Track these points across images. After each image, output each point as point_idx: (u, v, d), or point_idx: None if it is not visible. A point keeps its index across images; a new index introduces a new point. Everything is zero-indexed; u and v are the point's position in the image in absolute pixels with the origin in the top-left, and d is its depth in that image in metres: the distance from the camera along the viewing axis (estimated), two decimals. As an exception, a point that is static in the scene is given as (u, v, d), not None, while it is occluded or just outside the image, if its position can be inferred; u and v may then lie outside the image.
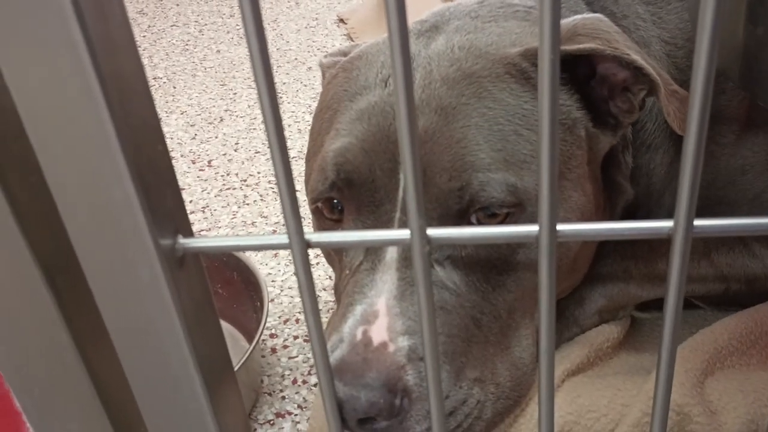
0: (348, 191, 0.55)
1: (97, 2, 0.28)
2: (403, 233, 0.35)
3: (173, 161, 1.25)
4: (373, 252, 0.53)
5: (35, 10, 0.27)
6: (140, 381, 0.40)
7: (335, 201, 0.57)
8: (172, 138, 1.34)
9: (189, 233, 0.38)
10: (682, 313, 0.72)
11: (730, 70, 0.54)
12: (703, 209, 0.70)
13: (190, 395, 0.40)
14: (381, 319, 0.50)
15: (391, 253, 0.52)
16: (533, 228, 0.34)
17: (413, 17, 0.67)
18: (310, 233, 0.35)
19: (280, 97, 1.47)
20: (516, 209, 0.52)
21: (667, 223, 0.33)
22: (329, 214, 0.57)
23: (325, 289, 0.89)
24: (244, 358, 0.67)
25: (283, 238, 0.35)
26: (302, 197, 1.07)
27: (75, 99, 0.29)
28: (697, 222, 0.33)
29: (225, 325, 0.83)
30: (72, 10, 0.27)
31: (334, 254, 0.59)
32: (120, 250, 0.35)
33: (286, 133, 1.31)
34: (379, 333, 0.49)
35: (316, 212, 0.59)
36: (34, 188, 0.34)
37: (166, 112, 1.45)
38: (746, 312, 0.62)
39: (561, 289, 0.61)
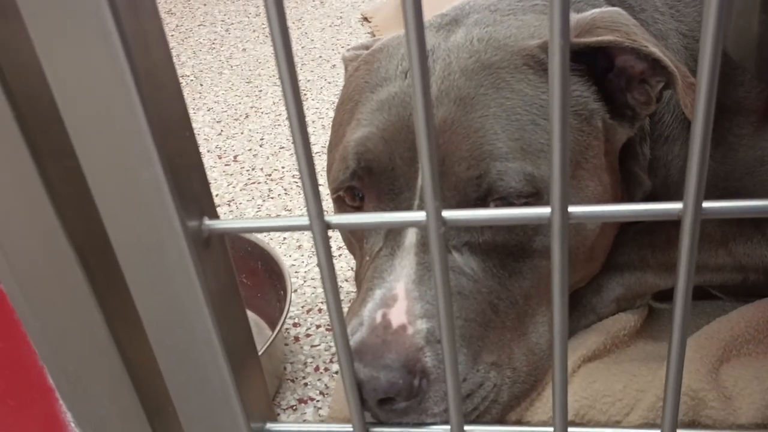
0: (368, 179, 0.56)
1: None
2: (419, 215, 0.36)
3: (200, 156, 1.27)
4: (392, 238, 0.55)
5: (74, 6, 0.29)
6: (168, 359, 0.42)
7: (356, 190, 0.58)
8: (198, 134, 1.37)
9: (214, 215, 0.40)
10: (701, 303, 0.73)
11: (747, 61, 0.55)
12: (722, 198, 0.70)
13: (216, 374, 0.42)
14: (400, 302, 0.51)
15: (410, 239, 0.54)
16: (546, 210, 0.35)
17: (432, 11, 0.68)
18: (330, 215, 0.37)
19: (305, 94, 1.49)
20: (533, 198, 0.53)
21: (677, 205, 0.34)
22: (351, 202, 0.59)
23: (347, 280, 0.91)
24: (267, 344, 0.68)
25: (304, 220, 0.36)
26: (324, 191, 1.08)
27: (109, 88, 0.31)
28: (707, 204, 0.34)
29: (249, 314, 0.84)
30: (107, 6, 0.28)
31: (355, 242, 0.61)
32: (149, 230, 0.36)
33: (310, 129, 1.33)
34: (398, 316, 0.50)
35: (337, 201, 0.61)
36: (69, 172, 0.36)
37: (193, 109, 1.47)
38: (764, 301, 0.63)
39: (579, 277, 0.61)
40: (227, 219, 0.38)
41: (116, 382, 0.43)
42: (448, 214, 0.36)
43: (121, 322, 0.41)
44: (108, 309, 0.40)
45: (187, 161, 0.38)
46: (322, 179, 1.14)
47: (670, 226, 0.68)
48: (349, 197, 0.59)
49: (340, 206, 0.61)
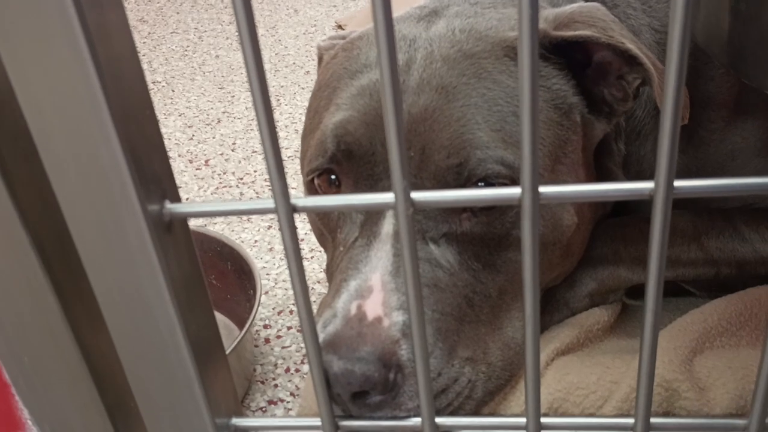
0: (347, 164, 0.55)
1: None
2: (388, 196, 0.35)
3: (171, 161, 1.26)
4: (368, 228, 0.53)
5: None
6: (129, 351, 0.40)
7: (332, 176, 0.56)
8: (169, 139, 1.35)
9: (176, 199, 0.38)
10: (674, 299, 0.73)
11: (718, 51, 0.55)
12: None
13: (179, 366, 0.40)
14: (375, 294, 0.50)
15: (387, 229, 0.52)
16: (516, 190, 0.34)
17: (406, 5, 0.68)
18: (297, 197, 0.36)
19: (278, 100, 1.48)
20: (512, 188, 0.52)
21: (648, 184, 0.33)
22: (326, 189, 0.57)
23: (319, 282, 0.89)
24: (236, 343, 0.67)
25: (269, 203, 0.35)
26: (293, 183, 1.07)
27: (63, 58, 0.30)
28: (678, 183, 0.33)
29: (219, 316, 0.83)
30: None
31: (328, 233, 0.59)
32: (108, 213, 0.35)
33: (283, 134, 1.32)
34: (373, 308, 0.49)
35: (311, 189, 0.59)
36: (24, 154, 0.34)
37: (164, 114, 1.46)
38: (736, 294, 0.63)
39: (555, 275, 0.61)
40: (190, 202, 0.37)
41: (75, 375, 0.42)
42: (417, 195, 0.35)
43: (81, 312, 0.40)
44: (66, 298, 0.39)
45: (148, 140, 0.36)
46: (294, 182, 1.13)
47: (642, 221, 0.68)
48: (325, 184, 0.57)
49: (313, 194, 0.59)
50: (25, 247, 0.37)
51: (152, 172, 0.36)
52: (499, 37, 0.57)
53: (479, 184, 0.52)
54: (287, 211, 0.35)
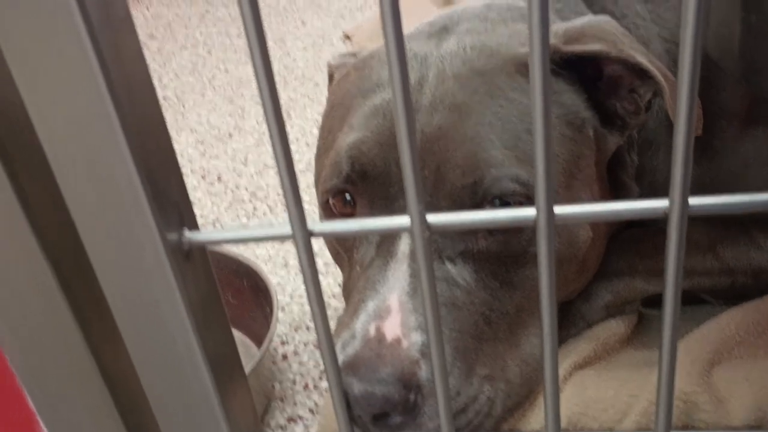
0: (362, 184, 0.55)
1: (100, -5, 0.29)
2: (404, 219, 0.35)
3: (184, 177, 1.27)
4: (385, 248, 0.53)
5: (43, 3, 0.28)
6: (150, 377, 0.40)
7: (347, 197, 0.57)
8: (182, 155, 1.36)
9: (195, 226, 0.39)
10: (690, 309, 0.72)
11: (729, 63, 0.55)
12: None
13: (200, 390, 0.41)
14: (394, 314, 0.50)
15: (403, 249, 0.53)
16: (531, 210, 0.34)
17: (412, 24, 0.68)
18: (313, 223, 0.36)
19: (288, 113, 1.48)
20: (527, 206, 0.52)
21: (663, 202, 0.34)
22: (341, 209, 0.57)
23: (334, 296, 0.90)
24: (254, 363, 0.67)
25: (286, 228, 0.36)
26: (308, 207, 1.08)
27: (78, 85, 0.30)
28: (692, 200, 0.33)
29: (236, 334, 0.84)
30: (77, 6, 0.28)
31: (344, 252, 0.59)
32: (127, 243, 0.35)
33: (294, 147, 1.33)
34: (392, 329, 0.49)
35: (326, 210, 0.59)
36: (43, 181, 0.34)
37: (176, 130, 1.47)
38: (753, 303, 0.62)
39: (571, 290, 0.61)
40: (208, 230, 0.38)
41: (98, 402, 0.42)
42: (432, 218, 0.36)
43: (103, 341, 0.40)
44: (88, 327, 0.39)
45: (165, 169, 0.36)
46: (307, 196, 1.14)
47: (656, 234, 0.67)
48: (340, 204, 0.57)
49: (329, 215, 0.59)
50: (39, 260, 0.37)
51: (170, 198, 0.36)
52: (511, 53, 0.57)
53: (495, 201, 0.52)
54: (304, 236, 0.36)
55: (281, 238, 0.37)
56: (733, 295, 0.67)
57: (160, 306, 0.37)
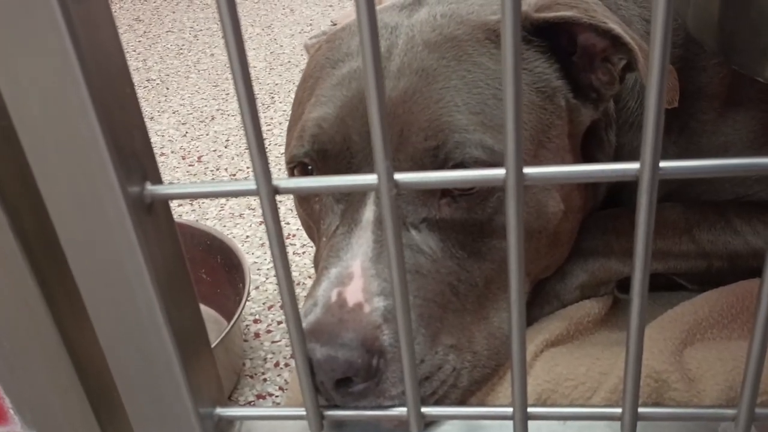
0: (322, 162, 0.56)
1: None
2: (371, 177, 0.34)
3: (163, 157, 1.25)
4: (349, 216, 0.53)
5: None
6: (109, 336, 0.39)
7: (309, 168, 0.57)
8: (163, 135, 1.34)
9: (158, 180, 0.38)
10: (666, 294, 0.71)
11: (709, 39, 0.54)
12: (686, 186, 0.70)
13: (161, 353, 0.40)
14: (356, 280, 0.49)
15: (367, 216, 0.52)
16: (500, 171, 0.33)
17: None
18: (279, 179, 0.35)
19: (273, 97, 1.47)
20: None
21: (634, 165, 0.33)
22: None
23: (310, 277, 0.89)
24: (223, 335, 0.66)
25: (251, 184, 0.35)
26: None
27: (40, 35, 0.29)
28: (663, 163, 0.33)
29: (209, 311, 0.83)
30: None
31: (313, 224, 0.59)
32: (87, 194, 0.34)
33: (277, 131, 1.31)
34: (354, 294, 0.49)
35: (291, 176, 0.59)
36: (4, 133, 0.34)
37: (158, 111, 1.45)
38: (728, 287, 0.62)
39: (544, 265, 0.60)
40: (172, 184, 0.36)
41: (56, 363, 0.41)
42: (400, 176, 0.35)
43: (63, 301, 0.39)
44: (48, 284, 0.38)
45: (128, 118, 0.36)
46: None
47: (634, 212, 0.67)
48: (301, 174, 0.58)
49: None
50: (4, 230, 0.36)
51: (132, 151, 0.35)
52: (481, 20, 0.57)
53: (457, 168, 0.51)
54: (269, 192, 0.35)
55: (246, 194, 0.36)
56: (708, 281, 0.66)
57: (121, 262, 0.36)
